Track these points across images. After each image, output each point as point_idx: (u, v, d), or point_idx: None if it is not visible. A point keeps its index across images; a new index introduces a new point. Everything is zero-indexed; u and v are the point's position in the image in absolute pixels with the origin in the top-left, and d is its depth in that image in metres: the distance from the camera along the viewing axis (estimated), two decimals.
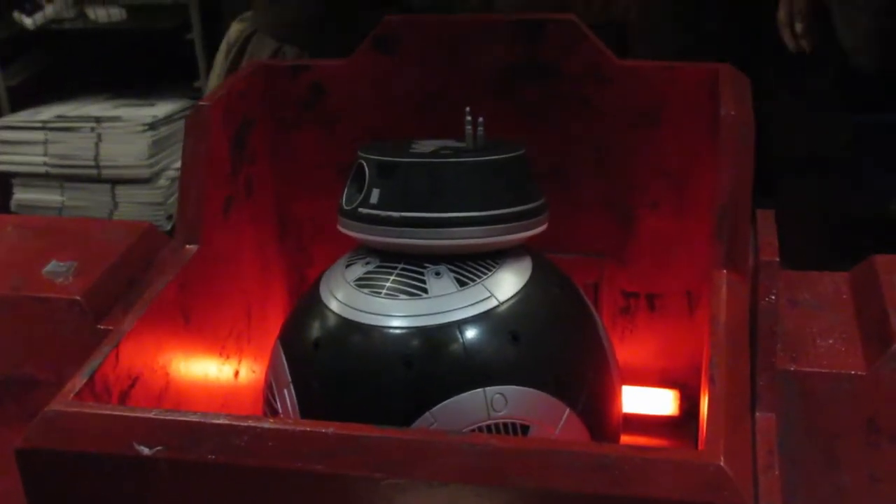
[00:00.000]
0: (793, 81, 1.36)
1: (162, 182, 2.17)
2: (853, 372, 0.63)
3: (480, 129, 0.65)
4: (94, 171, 2.19)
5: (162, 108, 2.21)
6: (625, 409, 0.70)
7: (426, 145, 0.66)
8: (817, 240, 1.41)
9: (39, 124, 2.20)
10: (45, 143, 2.21)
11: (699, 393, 0.68)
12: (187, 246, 0.67)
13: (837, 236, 1.52)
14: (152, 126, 2.16)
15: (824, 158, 1.45)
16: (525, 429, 0.59)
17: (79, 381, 0.55)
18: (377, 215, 0.62)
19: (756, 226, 0.70)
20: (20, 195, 2.25)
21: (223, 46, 1.11)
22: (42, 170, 2.22)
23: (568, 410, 0.60)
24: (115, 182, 2.20)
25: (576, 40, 0.72)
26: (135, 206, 2.19)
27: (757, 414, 0.61)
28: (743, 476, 0.48)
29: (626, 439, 0.73)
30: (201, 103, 0.69)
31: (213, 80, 1.12)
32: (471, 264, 0.62)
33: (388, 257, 0.62)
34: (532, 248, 0.67)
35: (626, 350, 0.78)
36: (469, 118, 0.65)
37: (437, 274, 0.61)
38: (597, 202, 0.76)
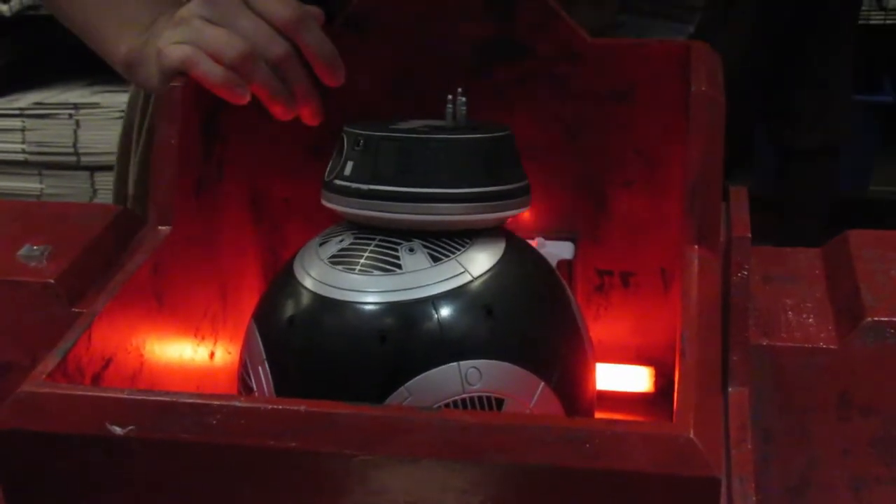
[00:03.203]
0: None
1: None
2: (825, 346, 0.64)
3: (463, 108, 0.66)
4: (73, 159, 2.18)
5: None
6: (600, 386, 0.70)
7: (411, 123, 0.66)
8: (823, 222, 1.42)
9: (17, 111, 2.19)
10: (23, 130, 2.19)
11: (674, 370, 0.69)
12: (160, 227, 0.67)
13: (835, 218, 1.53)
14: None
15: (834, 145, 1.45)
16: (500, 402, 0.59)
17: (51, 363, 0.55)
18: (348, 187, 0.63)
19: (728, 202, 0.71)
20: None
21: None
22: (21, 157, 2.21)
23: (542, 384, 0.60)
24: (95, 169, 2.19)
25: (548, 18, 0.72)
26: None
27: (729, 389, 0.62)
28: (713, 449, 0.49)
29: (601, 416, 0.73)
30: (172, 84, 0.69)
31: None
32: (444, 240, 0.62)
33: (362, 234, 0.63)
34: (507, 226, 0.67)
35: (600, 327, 0.79)
36: (450, 97, 0.66)
37: (411, 250, 0.61)
38: (570, 181, 0.76)
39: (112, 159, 2.13)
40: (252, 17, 0.69)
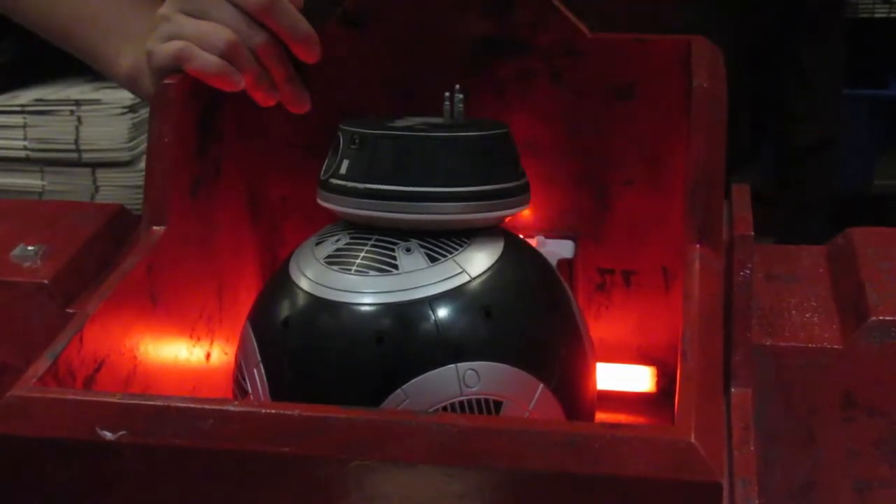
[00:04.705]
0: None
1: (143, 165, 2.15)
2: (829, 346, 0.63)
3: (461, 105, 0.65)
4: (74, 155, 2.18)
5: None
6: (602, 386, 0.69)
7: (409, 121, 0.65)
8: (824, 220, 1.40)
9: (18, 108, 2.18)
10: (25, 126, 2.19)
11: (676, 370, 0.68)
12: (154, 227, 0.66)
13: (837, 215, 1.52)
14: (132, 108, 2.14)
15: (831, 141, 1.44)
16: (498, 405, 0.58)
17: (41, 366, 0.54)
18: (344, 186, 0.62)
19: (730, 200, 0.70)
20: (0, 180, 2.24)
21: None
22: (22, 154, 2.20)
23: (541, 386, 0.60)
24: (96, 165, 2.18)
25: (547, 13, 0.71)
26: (116, 189, 2.18)
27: (732, 389, 0.61)
28: (715, 452, 0.48)
29: (603, 416, 0.72)
30: (167, 82, 0.68)
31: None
32: (442, 240, 0.61)
33: (358, 234, 0.62)
34: (505, 225, 0.66)
35: (602, 327, 0.78)
36: (448, 94, 0.65)
37: (408, 250, 0.60)
38: (571, 179, 0.76)
39: (113, 156, 2.14)
40: (229, 7, 0.70)
